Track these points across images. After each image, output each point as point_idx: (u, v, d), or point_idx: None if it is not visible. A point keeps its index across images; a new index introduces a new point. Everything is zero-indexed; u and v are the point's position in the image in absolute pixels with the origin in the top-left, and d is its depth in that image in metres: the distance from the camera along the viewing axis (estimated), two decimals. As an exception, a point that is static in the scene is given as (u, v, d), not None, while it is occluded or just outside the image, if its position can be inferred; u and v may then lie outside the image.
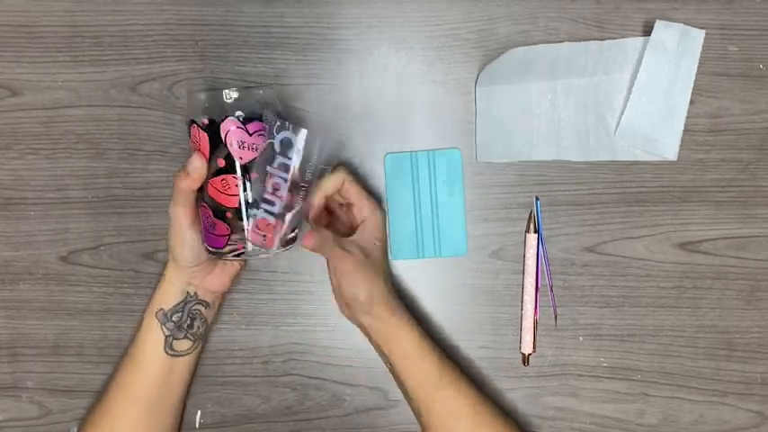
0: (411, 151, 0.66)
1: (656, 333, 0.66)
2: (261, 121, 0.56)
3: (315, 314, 0.67)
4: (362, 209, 0.61)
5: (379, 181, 0.67)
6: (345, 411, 0.67)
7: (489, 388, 0.66)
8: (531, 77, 0.65)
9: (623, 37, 0.65)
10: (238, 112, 0.55)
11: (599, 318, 0.66)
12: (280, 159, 0.55)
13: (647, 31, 0.64)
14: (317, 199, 0.59)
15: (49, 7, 0.66)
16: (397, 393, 0.65)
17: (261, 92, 0.57)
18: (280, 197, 0.55)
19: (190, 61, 0.66)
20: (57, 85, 0.66)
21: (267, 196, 0.55)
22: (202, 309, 0.63)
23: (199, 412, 0.67)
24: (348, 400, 0.67)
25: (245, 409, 0.67)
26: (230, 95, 0.56)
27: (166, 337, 0.61)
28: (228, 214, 0.56)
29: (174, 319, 0.61)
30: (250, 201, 0.56)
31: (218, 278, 0.63)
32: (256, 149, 0.56)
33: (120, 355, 0.65)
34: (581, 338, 0.66)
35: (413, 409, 0.62)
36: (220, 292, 0.64)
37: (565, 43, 0.65)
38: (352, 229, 0.62)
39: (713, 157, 0.65)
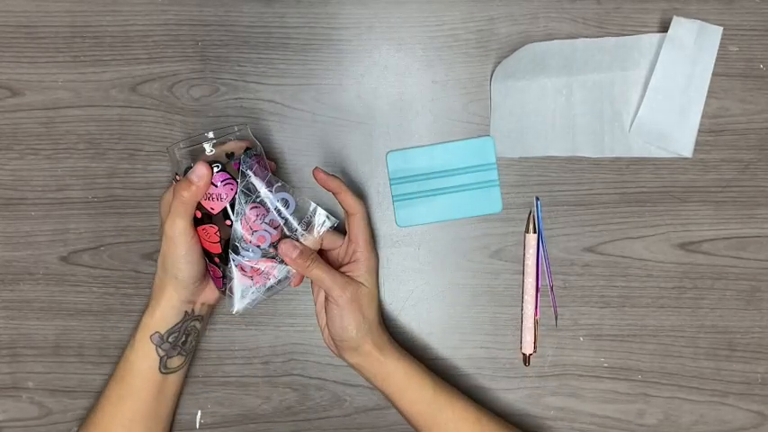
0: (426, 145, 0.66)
1: (656, 333, 0.66)
2: (226, 171, 0.56)
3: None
4: (359, 250, 0.60)
5: (378, 181, 0.67)
6: (345, 411, 0.67)
7: (489, 388, 0.66)
8: (547, 73, 0.65)
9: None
10: (214, 165, 0.56)
11: (599, 318, 0.66)
12: (272, 215, 0.57)
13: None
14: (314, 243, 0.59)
15: (49, 7, 0.66)
16: (397, 393, 0.65)
17: (237, 130, 0.57)
18: (264, 242, 0.57)
19: (190, 61, 0.66)
20: (57, 85, 0.66)
21: (251, 241, 0.57)
22: (197, 324, 0.62)
23: (199, 412, 0.66)
24: (348, 400, 0.67)
25: (245, 409, 0.67)
26: (211, 148, 0.56)
27: (161, 357, 0.60)
28: (216, 260, 0.58)
29: (170, 340, 0.60)
30: (232, 246, 0.57)
31: (214, 290, 0.62)
32: (223, 199, 0.56)
33: (114, 361, 0.65)
34: (581, 338, 0.66)
35: None
36: (214, 303, 0.63)
37: (580, 39, 0.65)
38: (339, 265, 0.62)
39: (713, 157, 0.65)
